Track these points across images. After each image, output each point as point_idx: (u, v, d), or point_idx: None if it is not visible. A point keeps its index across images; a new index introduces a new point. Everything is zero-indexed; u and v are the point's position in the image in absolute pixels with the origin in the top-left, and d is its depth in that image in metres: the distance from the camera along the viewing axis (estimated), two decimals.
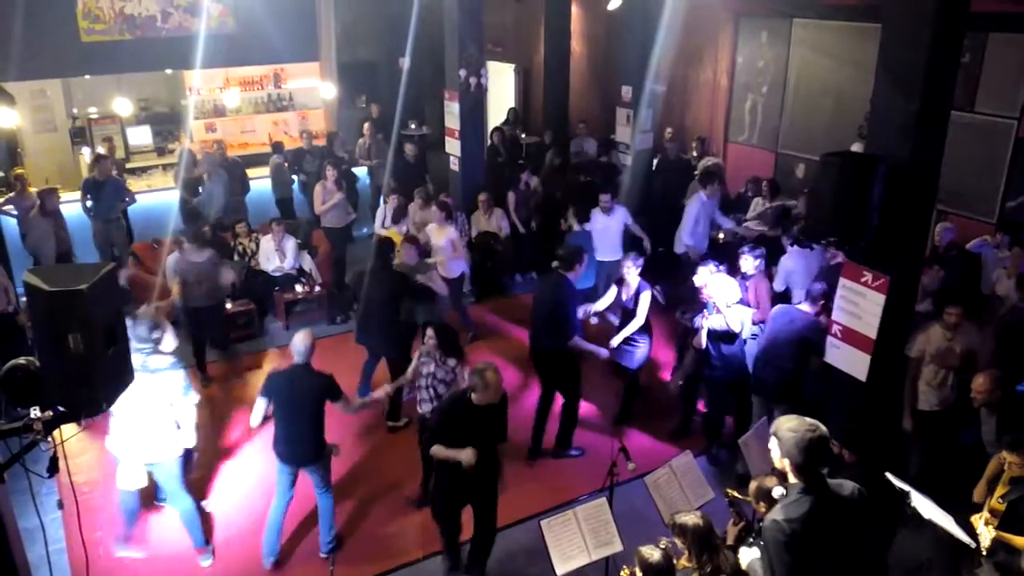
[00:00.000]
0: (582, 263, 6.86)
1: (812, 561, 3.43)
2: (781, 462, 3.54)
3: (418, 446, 6.45)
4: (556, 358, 6.90)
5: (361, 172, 12.81)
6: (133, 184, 12.12)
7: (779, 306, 6.67)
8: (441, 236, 9.04)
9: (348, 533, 6.29)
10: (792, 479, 3.53)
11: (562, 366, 6.93)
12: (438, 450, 5.11)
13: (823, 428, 3.48)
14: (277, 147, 12.38)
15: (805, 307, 6.42)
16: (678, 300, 8.19)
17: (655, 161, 11.69)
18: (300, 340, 5.64)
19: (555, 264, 7.11)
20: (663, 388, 8.29)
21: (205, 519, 6.27)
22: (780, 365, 6.30)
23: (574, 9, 14.04)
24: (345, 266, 10.23)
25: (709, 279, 6.80)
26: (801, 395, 6.22)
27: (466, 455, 4.97)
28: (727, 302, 6.56)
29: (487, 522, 5.50)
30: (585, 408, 7.73)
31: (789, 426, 3.50)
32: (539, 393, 7.20)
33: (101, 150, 12.01)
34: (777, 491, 3.73)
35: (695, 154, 11.52)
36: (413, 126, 13.83)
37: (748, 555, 4.12)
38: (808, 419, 3.51)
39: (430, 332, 6.09)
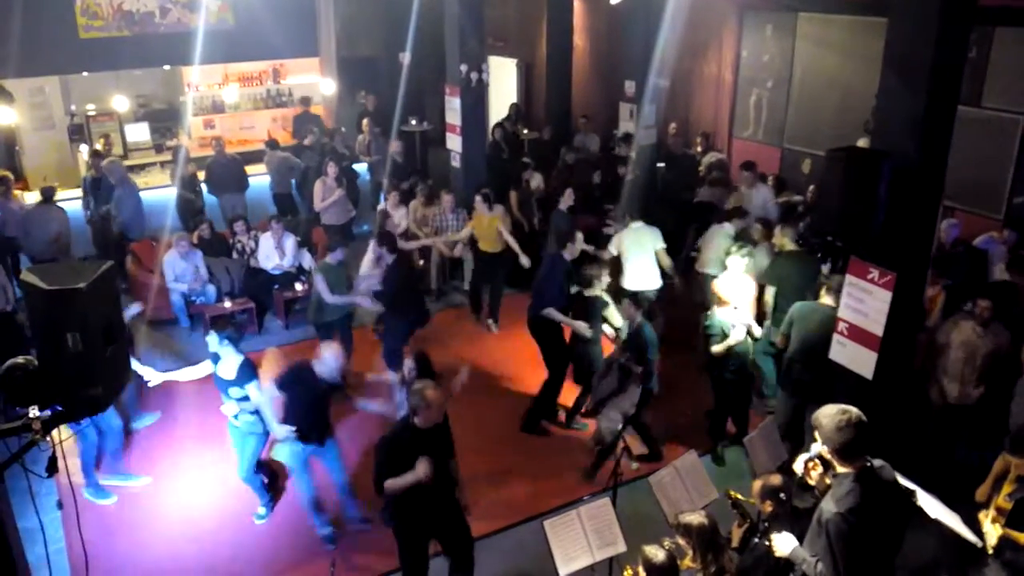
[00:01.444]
0: (574, 240, 7.46)
1: (872, 547, 3.53)
2: (823, 451, 3.64)
3: None
4: (539, 328, 7.39)
5: (361, 168, 12.76)
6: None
7: (799, 305, 6.58)
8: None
9: (349, 534, 6.26)
10: (840, 468, 3.59)
11: (545, 337, 7.40)
12: (391, 483, 4.70)
13: (856, 410, 3.55)
14: (272, 144, 12.28)
15: (828, 300, 6.38)
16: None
17: (660, 161, 11.64)
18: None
19: None
20: (665, 389, 8.25)
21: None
22: (818, 363, 6.21)
23: (576, 3, 13.99)
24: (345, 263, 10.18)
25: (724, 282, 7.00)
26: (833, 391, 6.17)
27: (420, 468, 4.63)
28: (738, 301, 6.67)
29: (461, 541, 5.25)
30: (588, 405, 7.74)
31: (824, 412, 3.60)
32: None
33: (98, 146, 11.98)
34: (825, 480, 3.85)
35: (699, 150, 11.47)
36: (413, 122, 13.78)
37: (786, 541, 3.91)
38: (844, 405, 3.59)
39: (409, 363, 5.91)
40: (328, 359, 5.75)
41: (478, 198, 9.27)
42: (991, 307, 6.10)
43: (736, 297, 6.85)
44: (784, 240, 7.49)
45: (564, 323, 7.28)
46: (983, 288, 6.65)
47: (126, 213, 10.16)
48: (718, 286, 7.03)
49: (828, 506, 3.59)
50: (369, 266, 8.38)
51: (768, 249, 7.88)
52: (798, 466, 4.09)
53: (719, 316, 6.73)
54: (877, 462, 3.67)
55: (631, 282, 8.41)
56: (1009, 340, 6.17)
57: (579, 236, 7.74)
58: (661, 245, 8.37)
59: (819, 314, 6.34)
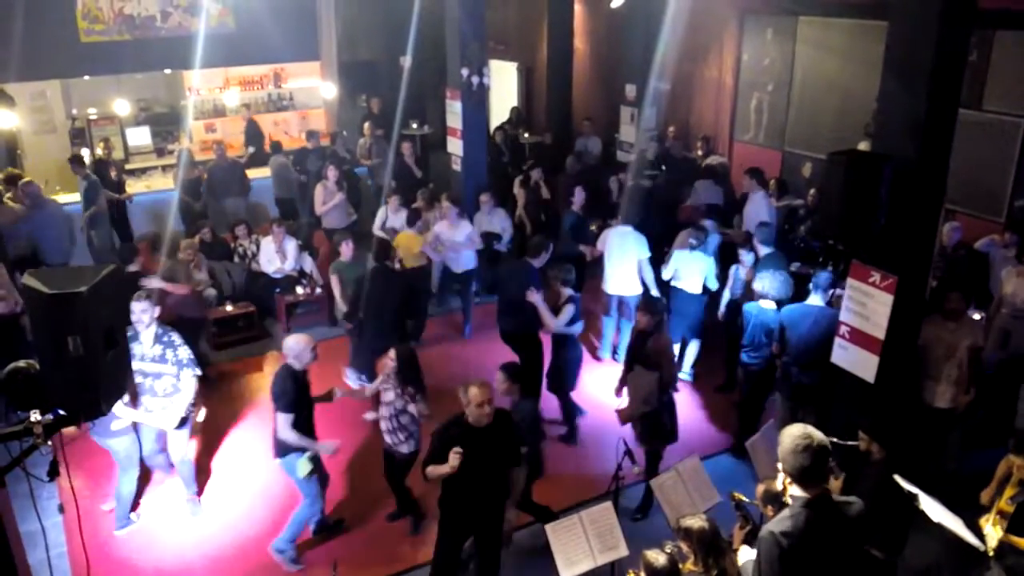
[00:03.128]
0: (547, 251, 7.51)
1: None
2: (780, 467, 3.49)
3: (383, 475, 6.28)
4: (525, 342, 7.42)
5: (362, 171, 12.76)
6: (132, 185, 12.08)
7: (790, 308, 6.56)
8: (459, 232, 9.33)
9: (352, 536, 6.26)
10: (793, 490, 3.45)
11: (529, 350, 7.41)
12: (431, 470, 4.87)
13: (820, 436, 3.38)
14: (276, 147, 12.32)
15: (817, 300, 6.38)
16: None
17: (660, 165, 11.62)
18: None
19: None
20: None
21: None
22: (816, 365, 6.21)
23: (577, 7, 14.00)
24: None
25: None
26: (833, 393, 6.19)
27: (450, 458, 4.71)
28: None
29: (490, 555, 5.25)
30: (589, 409, 7.75)
31: (788, 431, 3.45)
32: None
33: (99, 150, 11.98)
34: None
35: (700, 153, 11.47)
36: (415, 125, 13.78)
37: (746, 555, 4.08)
38: (809, 428, 3.43)
39: (392, 354, 5.83)
40: (291, 345, 5.71)
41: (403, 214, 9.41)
42: (961, 299, 6.08)
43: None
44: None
45: (560, 331, 7.07)
46: (952, 283, 6.60)
47: (44, 239, 9.24)
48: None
49: (767, 524, 3.51)
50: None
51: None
52: (778, 483, 4.03)
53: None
54: (846, 498, 3.54)
55: (608, 285, 8.40)
56: (984, 333, 6.17)
57: (550, 246, 7.65)
58: (646, 255, 8.20)
59: (810, 317, 6.35)
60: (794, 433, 3.40)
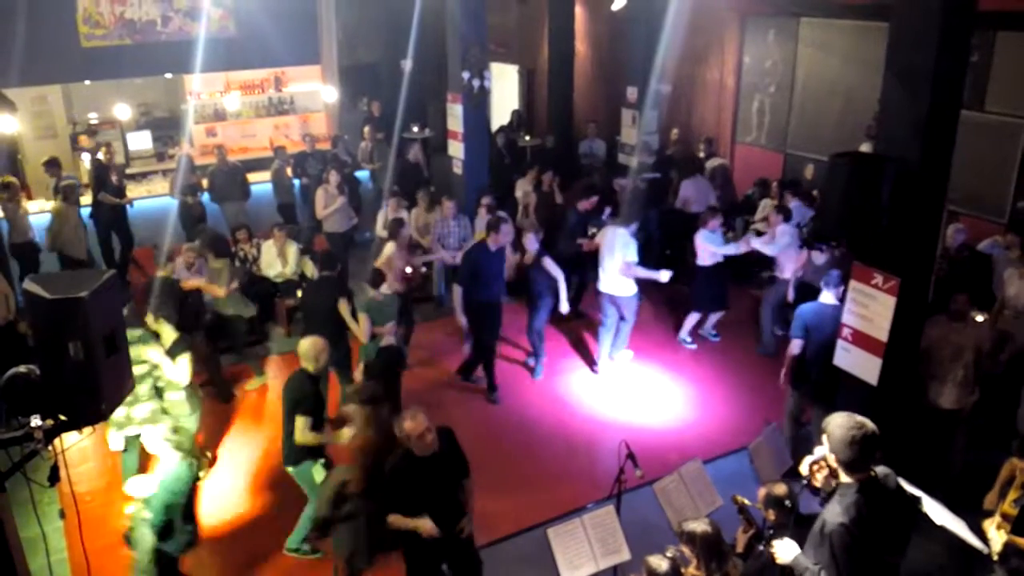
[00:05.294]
0: (498, 232, 7.84)
1: (876, 557, 3.53)
2: (829, 458, 3.62)
3: None
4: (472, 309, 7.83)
5: (363, 175, 12.76)
6: (133, 189, 12.09)
7: (805, 307, 6.59)
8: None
9: None
10: (843, 477, 3.58)
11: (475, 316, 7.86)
12: (395, 520, 4.67)
13: (871, 425, 3.51)
14: (279, 152, 12.33)
15: (830, 298, 6.40)
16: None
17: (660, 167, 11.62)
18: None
19: None
20: (670, 393, 8.24)
21: None
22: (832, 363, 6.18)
23: (578, 9, 14.00)
24: (348, 271, 10.18)
25: None
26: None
27: (424, 526, 4.61)
28: None
29: (470, 566, 5.20)
30: (591, 412, 7.74)
31: (838, 422, 3.56)
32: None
33: (100, 155, 11.97)
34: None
35: (702, 155, 11.47)
36: (416, 129, 13.79)
37: (788, 548, 3.84)
38: (857, 416, 3.55)
39: (362, 367, 5.74)
40: (307, 349, 5.66)
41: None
42: (967, 301, 6.08)
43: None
44: None
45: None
46: (955, 284, 6.61)
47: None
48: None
49: (831, 517, 3.56)
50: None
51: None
52: (803, 468, 4.06)
53: None
54: (881, 470, 3.65)
55: (600, 283, 8.42)
56: (989, 334, 6.16)
57: (506, 228, 8.02)
58: (632, 258, 8.07)
59: (827, 315, 6.36)
60: (846, 424, 3.52)
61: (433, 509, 4.69)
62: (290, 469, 5.80)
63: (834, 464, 3.60)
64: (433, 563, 5.05)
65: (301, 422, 5.51)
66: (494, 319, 8.00)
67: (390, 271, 7.47)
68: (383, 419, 5.20)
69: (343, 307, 7.10)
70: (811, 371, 6.47)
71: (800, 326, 6.53)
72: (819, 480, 4.03)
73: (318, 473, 5.69)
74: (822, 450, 3.72)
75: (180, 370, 6.19)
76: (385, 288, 7.15)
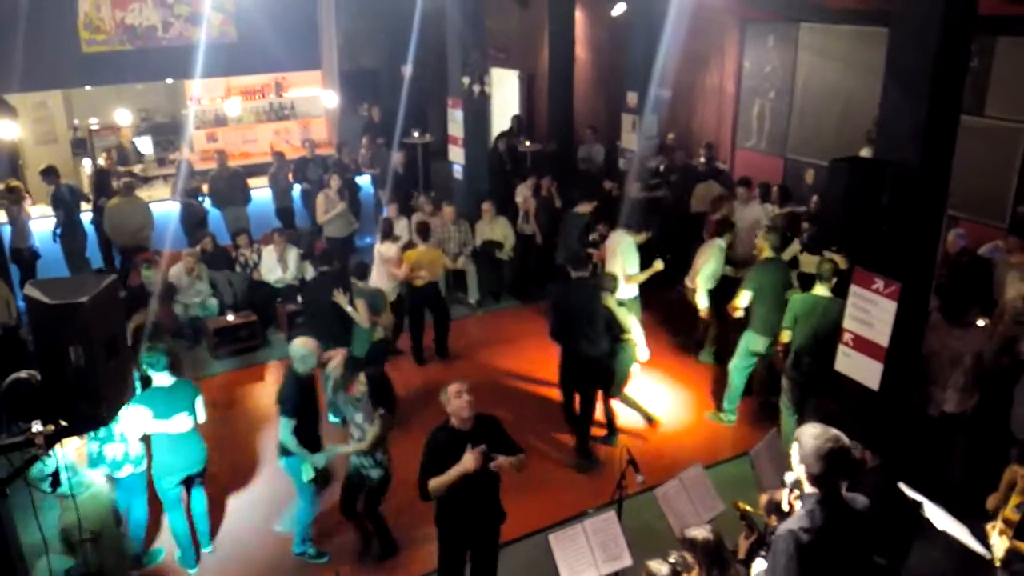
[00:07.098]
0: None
1: (818, 571, 3.38)
2: (798, 468, 3.48)
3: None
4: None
5: (364, 182, 12.77)
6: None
7: (800, 298, 6.72)
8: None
9: (354, 539, 6.25)
10: (808, 488, 3.46)
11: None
12: (435, 482, 4.67)
13: (845, 440, 3.40)
14: (277, 156, 12.31)
15: (822, 290, 6.56)
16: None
17: (661, 168, 11.62)
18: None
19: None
20: (672, 394, 8.24)
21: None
22: (825, 354, 6.23)
23: (578, 15, 14.00)
24: (348, 276, 10.16)
25: None
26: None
27: (466, 458, 4.58)
28: None
29: (488, 558, 5.22)
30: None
31: (812, 433, 3.43)
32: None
33: (101, 160, 11.98)
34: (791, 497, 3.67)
35: (702, 160, 11.47)
36: (416, 133, 13.79)
37: (759, 568, 4.01)
38: (832, 429, 3.44)
39: (362, 378, 5.69)
40: (296, 349, 5.70)
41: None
42: (978, 312, 6.09)
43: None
44: (764, 246, 7.47)
45: None
46: (955, 289, 6.61)
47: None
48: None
49: (783, 523, 3.51)
50: None
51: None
52: (784, 504, 3.99)
53: None
54: (850, 495, 3.53)
55: None
56: (988, 339, 6.16)
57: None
58: (631, 267, 8.16)
59: (820, 306, 6.55)
60: (820, 435, 3.38)
61: (464, 488, 4.72)
62: (281, 463, 5.89)
63: (802, 476, 3.48)
64: (463, 545, 5.10)
65: (282, 423, 5.59)
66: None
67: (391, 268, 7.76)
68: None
69: (339, 297, 7.23)
70: (802, 361, 6.62)
71: (791, 316, 6.73)
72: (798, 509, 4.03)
73: (306, 472, 5.73)
74: (793, 475, 3.61)
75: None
76: (373, 280, 7.36)
